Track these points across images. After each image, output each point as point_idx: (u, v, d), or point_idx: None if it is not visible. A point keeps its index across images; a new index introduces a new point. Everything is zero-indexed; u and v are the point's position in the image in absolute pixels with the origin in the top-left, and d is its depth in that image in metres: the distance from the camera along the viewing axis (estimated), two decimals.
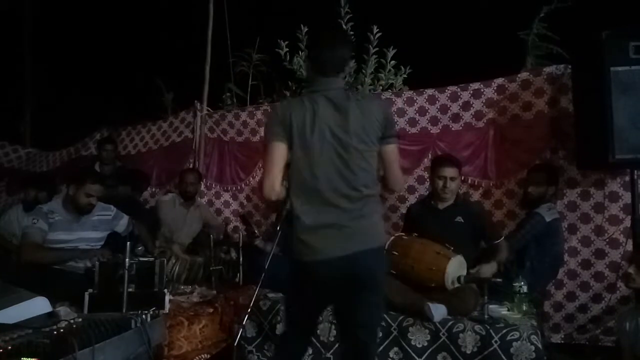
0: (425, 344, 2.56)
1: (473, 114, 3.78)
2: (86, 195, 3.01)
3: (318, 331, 2.77)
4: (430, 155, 3.77)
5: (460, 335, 2.50)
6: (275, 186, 1.86)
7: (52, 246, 2.93)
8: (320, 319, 2.76)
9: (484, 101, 3.74)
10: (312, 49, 2.05)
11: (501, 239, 3.02)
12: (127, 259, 2.25)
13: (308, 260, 1.89)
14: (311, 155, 1.87)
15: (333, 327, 2.73)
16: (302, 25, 4.85)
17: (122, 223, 3.27)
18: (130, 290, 2.22)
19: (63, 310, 1.94)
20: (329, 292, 1.94)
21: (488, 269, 2.81)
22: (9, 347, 1.49)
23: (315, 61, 1.98)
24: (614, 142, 2.80)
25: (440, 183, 2.99)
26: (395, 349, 2.62)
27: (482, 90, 3.75)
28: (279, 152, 1.88)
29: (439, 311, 2.56)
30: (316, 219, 1.87)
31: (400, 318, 2.64)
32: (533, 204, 3.23)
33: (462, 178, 3.66)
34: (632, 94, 2.81)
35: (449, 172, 3.00)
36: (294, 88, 5.09)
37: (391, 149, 2.01)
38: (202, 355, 2.67)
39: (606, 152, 2.81)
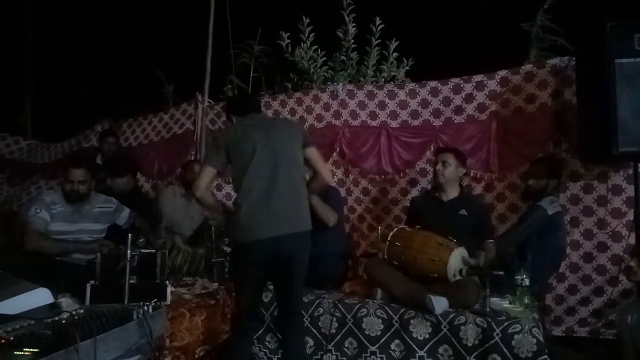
0: (427, 336, 2.57)
1: (476, 106, 3.75)
2: (67, 181, 3.01)
3: (319, 323, 2.78)
4: (432, 147, 3.76)
5: (462, 327, 2.50)
6: (201, 188, 2.48)
7: (54, 237, 2.93)
8: (322, 310, 2.77)
9: (487, 93, 3.72)
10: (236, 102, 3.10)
11: (492, 241, 2.96)
12: (128, 251, 2.25)
13: (245, 240, 2.40)
14: (255, 162, 2.42)
15: (334, 319, 2.74)
16: (303, 17, 4.82)
17: (124, 215, 3.27)
18: (131, 281, 2.22)
19: (65, 301, 1.94)
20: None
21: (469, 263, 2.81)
22: (11, 338, 1.49)
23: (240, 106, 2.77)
24: (617, 135, 2.79)
25: (435, 167, 3.08)
26: (397, 341, 2.62)
27: (485, 82, 3.72)
28: (210, 173, 2.50)
29: (440, 304, 2.56)
30: (256, 205, 2.39)
31: (402, 310, 2.65)
32: (533, 196, 3.21)
33: (465, 171, 3.65)
34: (637, 86, 2.79)
35: (442, 156, 3.09)
36: (295, 79, 5.07)
37: (310, 151, 2.57)
38: (204, 347, 2.68)
39: (610, 144, 2.80)
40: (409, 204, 3.51)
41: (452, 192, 3.07)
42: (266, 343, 2.90)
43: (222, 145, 2.49)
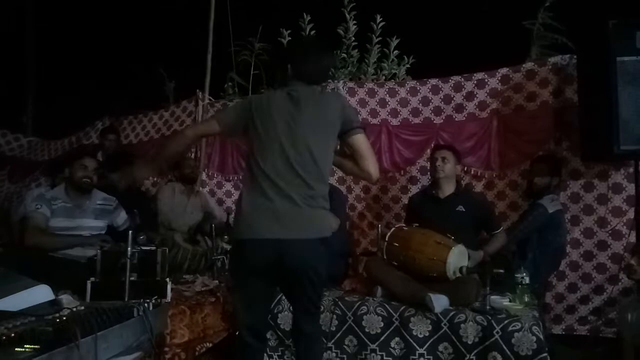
0: (427, 334, 2.57)
1: (477, 104, 3.75)
2: (80, 167, 3.02)
3: (320, 321, 2.78)
4: (432, 145, 3.76)
5: (462, 325, 2.50)
6: (188, 133, 2.13)
7: (55, 233, 2.93)
8: (322, 308, 2.77)
9: (487, 91, 3.71)
10: (297, 60, 2.09)
11: (499, 229, 3.04)
12: (129, 248, 2.25)
13: (242, 237, 1.98)
14: (263, 145, 1.98)
15: (335, 317, 2.74)
16: (304, 14, 4.81)
17: (122, 216, 3.26)
18: (132, 279, 2.22)
19: (65, 298, 1.94)
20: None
21: (474, 257, 2.83)
22: (12, 335, 1.49)
23: (300, 71, 2.06)
24: (618, 133, 2.79)
25: (433, 164, 3.07)
26: (397, 339, 2.62)
27: (486, 80, 3.72)
28: (209, 126, 2.12)
29: (440, 302, 2.56)
30: (260, 200, 1.96)
31: (402, 308, 2.65)
32: (537, 194, 3.22)
33: (465, 169, 3.66)
34: (638, 84, 2.79)
35: (440, 153, 3.08)
36: None
37: (357, 139, 2.04)
38: (204, 344, 2.68)
39: (611, 143, 2.80)
40: (407, 202, 3.51)
41: (448, 189, 3.07)
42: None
43: (242, 110, 2.05)
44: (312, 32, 4.81)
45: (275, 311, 2.82)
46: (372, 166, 2.05)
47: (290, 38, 4.86)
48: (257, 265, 1.95)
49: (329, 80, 2.20)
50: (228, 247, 3.35)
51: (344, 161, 2.12)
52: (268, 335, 2.60)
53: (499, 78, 3.68)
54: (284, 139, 1.96)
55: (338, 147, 2.11)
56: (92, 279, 2.24)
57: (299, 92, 2.01)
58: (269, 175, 1.95)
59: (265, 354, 2.55)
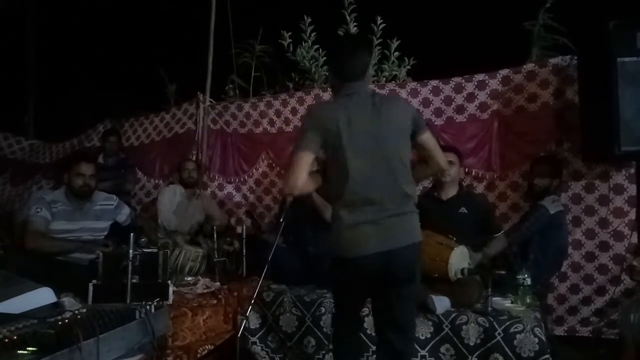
0: (429, 335, 2.57)
1: (477, 105, 3.75)
2: (77, 175, 3.01)
3: (321, 322, 2.79)
4: None
5: (464, 327, 2.50)
6: (297, 185, 1.93)
7: (56, 236, 2.94)
8: (324, 309, 2.77)
9: (488, 92, 3.71)
10: (333, 56, 2.16)
11: (500, 233, 3.02)
12: (131, 250, 2.25)
13: (349, 256, 1.94)
14: (348, 158, 1.92)
15: None
16: (305, 16, 4.81)
17: (124, 213, 3.28)
18: (134, 281, 2.22)
19: (67, 300, 1.95)
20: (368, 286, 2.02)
21: (473, 259, 2.83)
22: (14, 337, 1.50)
23: (337, 68, 2.07)
24: (619, 134, 2.78)
25: None
26: None
27: (486, 81, 3.72)
28: (307, 160, 1.94)
29: (442, 303, 2.56)
30: (357, 217, 1.93)
31: None
32: (538, 196, 3.21)
33: (466, 170, 3.65)
34: (639, 85, 2.78)
35: (448, 156, 3.01)
36: (296, 79, 5.07)
37: (427, 137, 2.10)
38: (206, 346, 2.68)
39: (612, 144, 2.79)
40: None
41: (451, 191, 3.07)
42: (268, 342, 2.90)
43: (315, 128, 1.96)
44: (313, 34, 4.82)
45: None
46: (444, 162, 2.20)
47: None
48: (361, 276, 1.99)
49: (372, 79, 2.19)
50: (230, 249, 3.36)
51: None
52: None
53: (500, 79, 3.68)
54: (370, 151, 1.94)
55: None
56: (94, 281, 2.24)
57: (370, 101, 1.99)
58: (361, 191, 1.93)
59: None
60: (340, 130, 1.92)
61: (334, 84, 2.14)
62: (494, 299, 2.60)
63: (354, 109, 1.96)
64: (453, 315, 2.55)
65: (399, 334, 2.03)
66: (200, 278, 3.14)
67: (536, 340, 2.37)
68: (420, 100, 3.92)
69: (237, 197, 4.70)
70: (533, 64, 3.67)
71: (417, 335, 2.55)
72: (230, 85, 5.33)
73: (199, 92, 4.76)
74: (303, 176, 1.92)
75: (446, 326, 2.54)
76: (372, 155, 1.93)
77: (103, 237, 3.08)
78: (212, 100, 4.80)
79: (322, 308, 2.80)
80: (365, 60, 2.04)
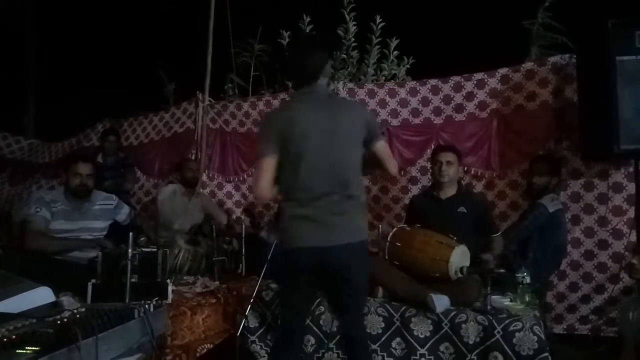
0: (428, 334, 2.56)
1: (477, 104, 3.75)
2: (74, 175, 3.01)
3: (320, 322, 2.78)
4: (433, 146, 3.76)
5: (463, 325, 2.50)
6: (266, 191, 2.04)
7: (56, 236, 2.93)
8: (322, 309, 2.77)
9: (487, 91, 3.72)
10: (287, 58, 2.28)
11: (498, 233, 3.02)
12: (130, 250, 2.25)
13: (290, 246, 2.06)
14: (298, 157, 2.00)
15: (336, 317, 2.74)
16: (304, 15, 4.82)
17: (124, 212, 3.28)
18: (133, 280, 2.21)
19: (66, 300, 1.94)
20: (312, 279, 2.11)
21: (486, 259, 2.83)
22: (13, 337, 1.49)
23: (290, 71, 2.18)
24: (618, 133, 2.78)
25: (437, 167, 3.04)
26: (398, 339, 2.62)
27: (486, 80, 3.72)
28: (269, 165, 2.03)
29: (441, 302, 2.56)
30: (300, 212, 2.02)
31: (403, 308, 2.64)
32: (537, 194, 3.21)
33: (465, 169, 3.66)
34: (638, 83, 2.79)
35: (445, 156, 3.05)
36: None
37: (380, 146, 2.15)
38: (205, 345, 2.68)
39: (611, 142, 2.80)
40: (408, 203, 3.50)
41: (450, 190, 3.07)
42: (267, 341, 2.90)
43: (272, 132, 2.05)
44: (312, 33, 4.82)
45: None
46: (394, 167, 2.23)
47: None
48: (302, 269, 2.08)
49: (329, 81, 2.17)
50: (229, 248, 3.36)
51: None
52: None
53: (499, 78, 3.68)
54: (321, 151, 2.00)
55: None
56: (93, 280, 2.24)
57: (323, 102, 2.05)
58: (308, 188, 2.01)
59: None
60: (292, 131, 2.00)
61: (293, 85, 2.17)
62: (493, 297, 2.60)
63: (306, 111, 2.03)
64: (452, 313, 2.55)
65: (347, 320, 2.18)
66: (199, 277, 3.14)
67: (535, 338, 2.36)
68: (420, 99, 3.92)
69: (236, 196, 4.70)
70: (532, 63, 3.67)
71: (417, 334, 2.56)
72: (230, 85, 5.34)
73: (198, 92, 4.76)
74: (268, 181, 2.02)
75: (445, 325, 2.54)
76: (320, 156, 2.00)
77: (102, 236, 3.08)
78: (211, 100, 4.79)
79: (321, 307, 2.80)
80: (318, 62, 2.06)
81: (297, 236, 2.03)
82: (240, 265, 3.31)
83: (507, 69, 3.67)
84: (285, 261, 2.12)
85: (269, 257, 2.73)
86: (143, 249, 2.36)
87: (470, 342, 2.47)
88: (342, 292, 2.11)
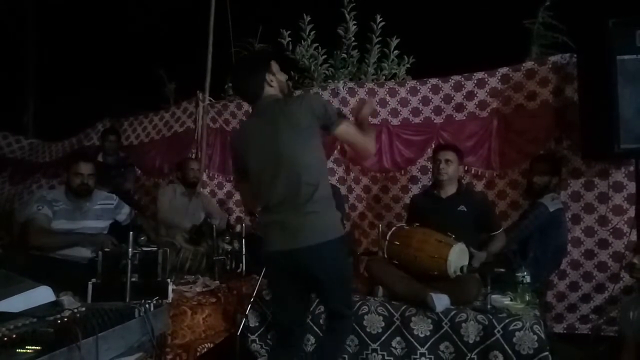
0: (428, 333, 2.57)
1: (477, 103, 3.75)
2: (75, 175, 3.01)
3: (320, 321, 2.78)
4: (433, 145, 3.75)
5: (463, 325, 2.50)
6: (251, 207, 2.35)
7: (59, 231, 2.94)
8: (322, 308, 2.77)
9: (488, 91, 3.71)
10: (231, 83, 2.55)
11: (500, 230, 3.03)
12: (130, 249, 2.25)
13: (265, 250, 2.15)
14: (258, 170, 2.12)
15: None
16: (304, 15, 4.81)
17: (124, 212, 3.28)
18: (133, 279, 2.22)
19: (67, 299, 1.94)
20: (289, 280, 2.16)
21: (479, 257, 2.83)
22: (13, 336, 1.50)
23: (237, 94, 2.46)
24: (619, 132, 2.78)
25: (436, 166, 3.05)
26: (398, 338, 2.62)
27: (486, 79, 3.72)
28: (241, 187, 2.34)
29: (441, 301, 2.56)
30: (267, 218, 2.13)
31: (403, 308, 2.64)
32: (537, 194, 3.21)
33: (466, 168, 3.66)
34: (638, 83, 2.78)
35: (444, 154, 3.06)
36: (296, 77, 5.07)
37: (342, 130, 2.11)
38: (205, 345, 2.68)
39: (611, 142, 2.79)
40: (409, 202, 3.51)
41: (450, 189, 3.07)
42: (267, 341, 2.90)
43: (234, 155, 2.32)
44: (312, 33, 4.82)
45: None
46: (367, 146, 2.19)
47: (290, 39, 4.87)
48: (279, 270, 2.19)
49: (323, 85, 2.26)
50: (229, 247, 3.36)
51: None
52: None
53: (499, 77, 3.68)
54: (271, 161, 2.07)
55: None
56: (94, 280, 2.24)
57: (266, 112, 2.11)
58: (259, 193, 2.15)
59: None
60: (245, 149, 2.16)
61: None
62: (493, 296, 2.60)
63: (252, 127, 2.17)
64: (452, 313, 2.55)
65: (332, 316, 2.26)
66: (199, 276, 3.14)
67: (535, 337, 2.36)
68: (420, 99, 3.92)
69: (237, 196, 4.69)
70: (532, 62, 3.67)
71: (417, 333, 2.56)
72: (230, 84, 5.33)
73: (198, 91, 4.76)
74: (248, 200, 2.35)
75: (445, 324, 2.54)
76: (272, 165, 2.06)
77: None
78: (211, 99, 4.80)
79: (321, 306, 2.80)
80: (257, 81, 2.12)
81: (267, 241, 2.14)
82: (241, 264, 3.31)
83: (508, 69, 3.66)
84: (264, 263, 2.29)
85: None
86: (143, 249, 2.36)
87: (470, 342, 2.47)
88: (318, 290, 2.21)
